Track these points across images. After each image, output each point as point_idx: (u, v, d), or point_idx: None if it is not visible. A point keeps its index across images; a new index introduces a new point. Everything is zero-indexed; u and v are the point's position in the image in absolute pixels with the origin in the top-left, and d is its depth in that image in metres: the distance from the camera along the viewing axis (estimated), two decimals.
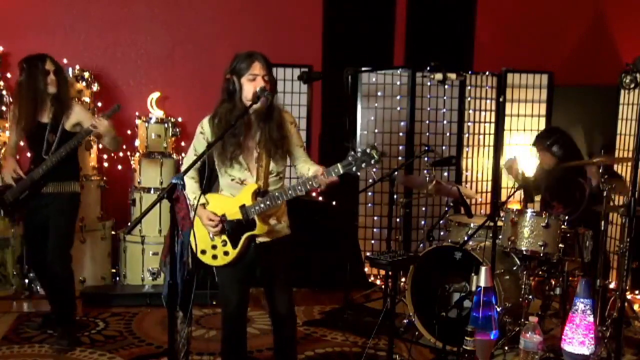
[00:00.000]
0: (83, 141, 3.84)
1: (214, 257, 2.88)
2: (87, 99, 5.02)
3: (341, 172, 2.57)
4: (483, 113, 5.61)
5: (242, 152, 2.80)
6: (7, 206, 3.91)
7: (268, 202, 2.75)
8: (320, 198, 5.43)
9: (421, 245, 5.22)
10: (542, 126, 5.65)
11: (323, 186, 2.64)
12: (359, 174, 2.64)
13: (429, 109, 5.43)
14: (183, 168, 2.93)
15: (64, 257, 3.86)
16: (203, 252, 2.90)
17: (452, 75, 4.65)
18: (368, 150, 2.51)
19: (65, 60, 5.03)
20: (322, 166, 2.71)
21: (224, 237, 2.85)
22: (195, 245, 2.90)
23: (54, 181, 3.80)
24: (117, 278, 5.07)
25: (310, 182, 2.66)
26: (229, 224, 2.84)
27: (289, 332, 3.04)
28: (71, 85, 4.67)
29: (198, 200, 2.79)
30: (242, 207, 2.80)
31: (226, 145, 2.76)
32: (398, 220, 4.85)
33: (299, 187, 2.69)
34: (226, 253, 2.85)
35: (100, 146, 5.05)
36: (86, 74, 5.04)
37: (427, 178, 4.23)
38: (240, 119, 2.68)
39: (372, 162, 2.51)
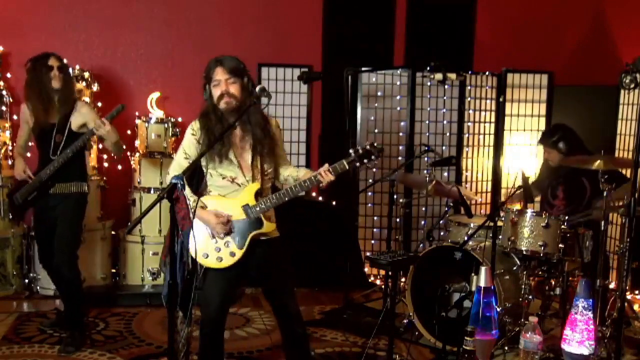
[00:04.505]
0: (88, 142, 3.85)
1: (219, 259, 2.84)
2: (87, 99, 5.02)
3: (346, 167, 2.74)
4: (483, 113, 5.61)
5: (230, 148, 2.84)
6: (16, 208, 3.93)
7: (275, 200, 2.79)
8: (320, 198, 5.43)
9: (421, 245, 5.22)
10: (542, 126, 5.65)
11: (325, 183, 2.75)
12: (360, 168, 2.92)
13: (429, 109, 5.43)
14: (173, 169, 2.90)
15: (71, 259, 3.85)
16: (206, 255, 2.85)
17: (452, 75, 4.65)
18: (368, 147, 2.73)
19: (65, 61, 5.02)
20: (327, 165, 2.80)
21: (228, 238, 2.84)
22: (195, 250, 2.83)
23: (61, 182, 3.81)
24: (117, 278, 5.07)
25: (316, 178, 2.75)
26: (234, 225, 2.84)
27: (301, 329, 3.04)
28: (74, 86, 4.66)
29: (197, 204, 2.79)
30: (246, 207, 2.81)
31: (212, 144, 2.79)
32: (398, 220, 4.85)
33: (306, 183, 2.78)
34: (232, 254, 2.84)
35: (100, 146, 5.06)
36: (86, 74, 5.04)
37: (427, 178, 4.23)
38: (229, 124, 2.77)
39: (373, 158, 2.74)
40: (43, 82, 3.76)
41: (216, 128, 2.80)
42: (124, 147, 4.11)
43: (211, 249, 2.85)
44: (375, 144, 2.75)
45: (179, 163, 2.88)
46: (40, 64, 3.78)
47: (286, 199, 2.80)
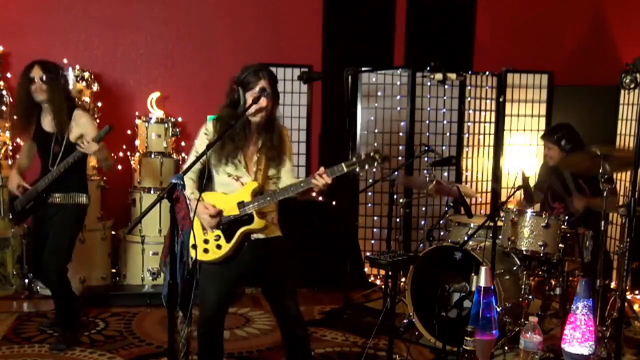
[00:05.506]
0: (79, 158, 3.71)
1: (205, 250, 2.85)
2: (87, 99, 5.02)
3: (345, 171, 2.68)
4: (483, 113, 5.61)
5: (240, 154, 2.86)
6: (16, 214, 3.93)
7: (268, 198, 2.79)
8: (320, 198, 5.43)
9: (421, 245, 5.22)
10: (542, 126, 5.65)
11: (322, 184, 2.68)
12: (361, 174, 2.72)
13: (429, 109, 5.43)
14: (184, 167, 2.93)
15: (59, 270, 3.80)
16: (193, 246, 2.87)
17: (452, 75, 4.65)
18: (372, 154, 2.66)
19: (65, 60, 5.03)
20: (323, 167, 2.73)
21: (218, 232, 2.84)
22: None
23: (60, 192, 3.78)
24: (117, 278, 5.07)
25: (312, 180, 2.70)
26: (225, 220, 2.84)
27: (300, 331, 3.03)
28: (73, 94, 4.58)
29: (199, 199, 2.79)
30: (241, 204, 2.82)
31: (224, 146, 2.82)
32: (398, 220, 4.85)
33: (302, 184, 2.74)
34: (219, 247, 2.84)
35: None
36: (86, 74, 5.04)
37: (427, 178, 4.23)
38: (239, 120, 2.76)
39: (375, 164, 2.67)
40: (24, 93, 3.73)
41: (239, 133, 2.82)
42: (112, 164, 4.09)
43: (200, 241, 2.86)
44: (380, 151, 2.67)
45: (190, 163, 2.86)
46: (23, 75, 3.74)
47: (280, 198, 2.79)
